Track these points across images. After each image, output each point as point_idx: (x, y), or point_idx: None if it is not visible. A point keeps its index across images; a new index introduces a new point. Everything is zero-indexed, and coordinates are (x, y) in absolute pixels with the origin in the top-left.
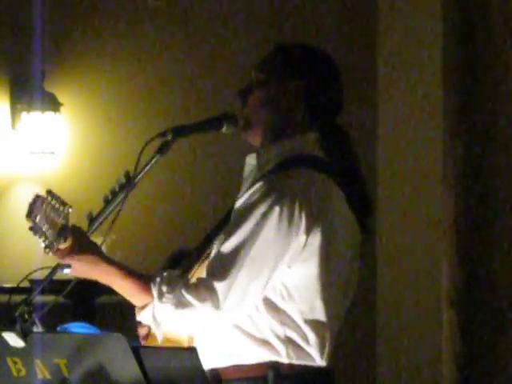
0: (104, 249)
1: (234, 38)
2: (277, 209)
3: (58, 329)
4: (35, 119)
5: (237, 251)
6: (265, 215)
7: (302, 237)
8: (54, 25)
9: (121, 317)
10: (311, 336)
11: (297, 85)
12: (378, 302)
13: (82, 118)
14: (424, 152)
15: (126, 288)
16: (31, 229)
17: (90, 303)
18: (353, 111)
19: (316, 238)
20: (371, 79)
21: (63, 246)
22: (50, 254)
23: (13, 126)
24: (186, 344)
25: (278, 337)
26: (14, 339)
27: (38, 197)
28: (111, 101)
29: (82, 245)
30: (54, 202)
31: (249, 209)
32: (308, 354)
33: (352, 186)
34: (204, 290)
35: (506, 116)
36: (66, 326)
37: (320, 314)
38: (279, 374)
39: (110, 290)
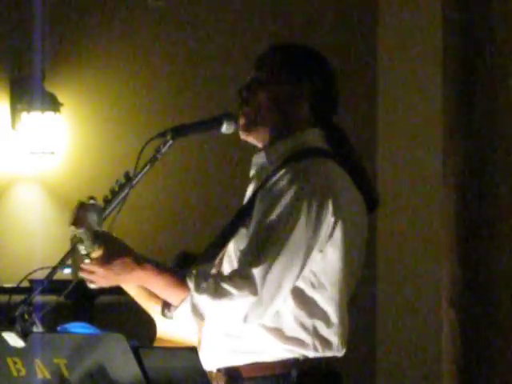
0: None
1: (234, 36)
2: (306, 193)
3: (58, 329)
4: (35, 119)
5: (270, 238)
6: (295, 201)
7: (331, 219)
8: (54, 25)
9: (121, 317)
10: (337, 325)
11: (301, 85)
12: (378, 301)
13: (82, 118)
14: (424, 152)
15: (160, 285)
16: (73, 238)
17: (89, 303)
18: (353, 111)
19: (341, 221)
20: (371, 79)
21: (96, 254)
22: (88, 262)
23: (13, 126)
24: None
25: (305, 329)
26: (14, 339)
27: (81, 204)
28: (111, 101)
29: (113, 251)
30: (94, 207)
31: (278, 197)
32: (332, 345)
33: (359, 180)
34: (240, 278)
35: (506, 116)
36: (66, 325)
37: (345, 301)
38: (302, 371)
39: (110, 290)
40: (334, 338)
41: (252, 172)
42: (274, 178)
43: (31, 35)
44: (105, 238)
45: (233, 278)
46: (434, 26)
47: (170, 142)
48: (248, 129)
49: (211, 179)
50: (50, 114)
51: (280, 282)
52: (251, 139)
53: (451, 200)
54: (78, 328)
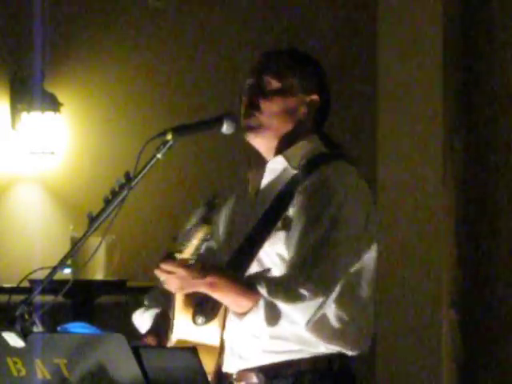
0: (103, 248)
1: (234, 37)
2: (352, 194)
3: (58, 329)
4: (35, 119)
5: (328, 241)
6: (342, 202)
7: (376, 217)
8: (54, 25)
9: (121, 317)
10: (371, 323)
11: (312, 97)
12: (377, 301)
13: (82, 118)
14: (424, 152)
15: (232, 294)
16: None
17: (89, 303)
18: (353, 112)
19: (375, 217)
20: (371, 79)
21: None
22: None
23: (13, 126)
24: (217, 349)
25: (346, 327)
26: (14, 339)
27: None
28: (111, 101)
29: (207, 267)
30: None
31: (322, 200)
32: (366, 342)
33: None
34: (311, 280)
35: (506, 116)
36: (66, 326)
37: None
38: (344, 364)
39: (110, 290)
40: (367, 338)
41: (269, 177)
42: (314, 181)
43: (31, 35)
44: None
45: (303, 280)
46: (435, 25)
47: (170, 142)
48: (257, 132)
49: (211, 179)
50: (50, 114)
51: (337, 282)
52: (257, 142)
53: (451, 200)
54: (78, 328)
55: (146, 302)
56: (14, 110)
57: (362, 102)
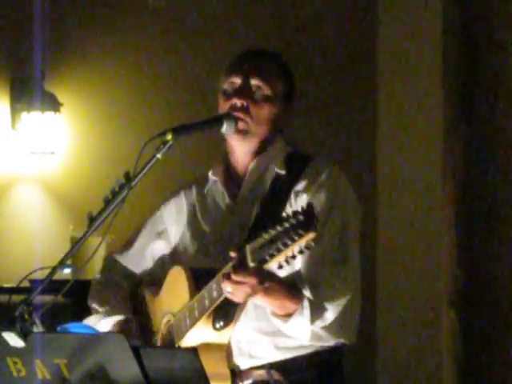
0: (103, 248)
1: (234, 37)
2: (350, 191)
3: (58, 329)
4: (35, 119)
5: (343, 239)
6: (347, 200)
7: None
8: (54, 25)
9: None
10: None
11: (293, 106)
12: (378, 301)
13: (82, 117)
14: (424, 152)
15: (280, 297)
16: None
17: None
18: (353, 111)
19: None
20: (371, 79)
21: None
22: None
23: (13, 126)
24: (224, 349)
25: (353, 319)
26: (14, 339)
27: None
28: (111, 101)
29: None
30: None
31: (330, 200)
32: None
33: None
34: (339, 279)
35: (506, 116)
36: (66, 325)
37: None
38: (341, 356)
39: None
40: (357, 327)
41: (250, 178)
42: (310, 180)
43: (31, 35)
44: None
45: (340, 281)
46: (434, 25)
47: (170, 142)
48: (244, 136)
49: None
50: (50, 114)
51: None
52: (240, 145)
53: (451, 200)
54: (78, 328)
55: (98, 307)
56: (14, 110)
57: (362, 102)
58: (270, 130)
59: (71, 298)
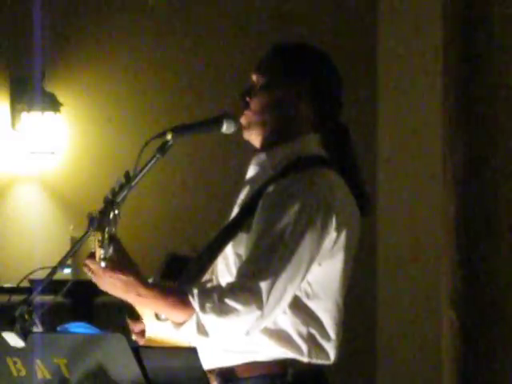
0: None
1: (234, 37)
2: (312, 207)
3: (58, 329)
4: (35, 119)
5: (276, 250)
6: (301, 214)
7: (333, 234)
8: (54, 25)
9: (120, 317)
10: (332, 334)
11: (301, 86)
12: (378, 302)
13: (82, 117)
14: (424, 152)
15: (163, 307)
16: (99, 241)
17: (89, 303)
18: (353, 111)
19: (343, 234)
20: (371, 78)
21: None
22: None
23: (13, 126)
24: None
25: (300, 335)
26: (14, 339)
27: (107, 205)
28: (111, 101)
29: (119, 265)
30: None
31: (283, 208)
32: (327, 353)
33: (354, 186)
34: (244, 292)
35: (506, 115)
36: (66, 325)
37: (340, 312)
38: (299, 370)
39: None
40: (329, 348)
41: (251, 172)
42: (279, 187)
43: (31, 35)
44: (116, 247)
45: (237, 292)
46: (434, 25)
47: (170, 142)
48: (248, 129)
49: (211, 180)
50: (49, 114)
51: (283, 294)
52: (252, 139)
53: (451, 200)
54: (78, 328)
55: None
56: (14, 110)
57: (362, 102)
58: (277, 119)
59: (71, 298)
